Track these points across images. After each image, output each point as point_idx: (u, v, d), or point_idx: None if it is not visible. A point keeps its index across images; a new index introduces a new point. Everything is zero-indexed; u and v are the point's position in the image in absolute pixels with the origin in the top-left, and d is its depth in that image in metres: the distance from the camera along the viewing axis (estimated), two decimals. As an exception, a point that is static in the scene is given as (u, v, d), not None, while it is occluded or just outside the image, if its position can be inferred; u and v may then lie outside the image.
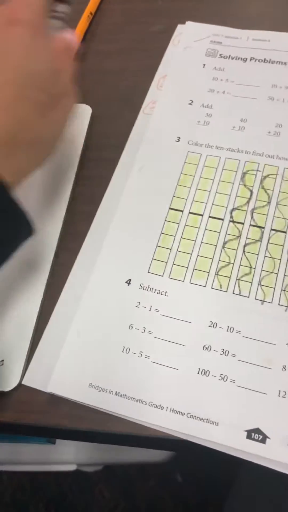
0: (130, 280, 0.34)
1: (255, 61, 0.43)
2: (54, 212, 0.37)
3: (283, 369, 0.30)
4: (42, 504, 0.90)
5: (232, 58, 0.44)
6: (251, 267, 0.34)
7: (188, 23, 0.46)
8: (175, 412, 0.29)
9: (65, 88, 0.33)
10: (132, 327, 0.32)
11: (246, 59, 0.43)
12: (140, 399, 0.30)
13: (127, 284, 0.34)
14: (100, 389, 0.30)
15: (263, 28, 0.45)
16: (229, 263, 0.34)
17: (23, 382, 0.31)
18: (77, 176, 0.39)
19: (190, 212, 0.36)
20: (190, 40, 0.45)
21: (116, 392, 0.30)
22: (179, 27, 0.46)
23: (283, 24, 0.44)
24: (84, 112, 0.41)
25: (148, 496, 0.88)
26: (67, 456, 0.63)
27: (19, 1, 0.31)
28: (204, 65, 0.44)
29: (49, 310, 0.33)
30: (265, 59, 0.43)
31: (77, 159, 0.39)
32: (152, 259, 0.35)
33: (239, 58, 0.44)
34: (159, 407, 0.29)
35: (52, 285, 0.34)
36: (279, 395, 0.29)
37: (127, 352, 0.31)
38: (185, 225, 0.36)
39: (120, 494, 0.90)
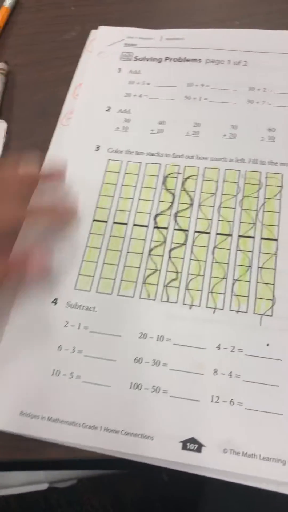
0: (56, 299, 0.33)
1: (170, 60, 0.43)
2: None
3: (215, 373, 0.30)
4: (31, 522, 0.89)
5: (147, 60, 0.43)
6: (177, 272, 0.33)
7: (101, 27, 0.45)
8: (109, 431, 0.29)
9: None
10: (61, 348, 0.31)
11: (161, 59, 0.43)
12: (73, 422, 0.29)
13: (53, 303, 0.33)
14: (32, 416, 0.29)
15: (176, 26, 0.44)
16: (156, 270, 0.33)
17: None
18: None
19: (114, 222, 0.35)
20: (103, 45, 0.44)
21: (48, 417, 0.29)
22: (93, 33, 0.45)
23: (195, 21, 0.44)
24: (-1, 129, 0.40)
25: (136, 499, 0.88)
26: (36, 476, 0.62)
27: None
28: (119, 69, 0.43)
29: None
30: (179, 58, 0.43)
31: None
32: (78, 274, 0.34)
33: (154, 59, 0.43)
34: (93, 427, 0.29)
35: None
36: (212, 401, 0.29)
37: (57, 374, 0.31)
38: (110, 235, 0.35)
39: (108, 500, 0.89)
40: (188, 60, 0.42)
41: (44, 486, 0.63)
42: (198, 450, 0.28)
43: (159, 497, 0.86)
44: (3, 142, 0.40)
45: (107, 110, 0.41)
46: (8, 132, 0.40)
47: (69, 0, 0.48)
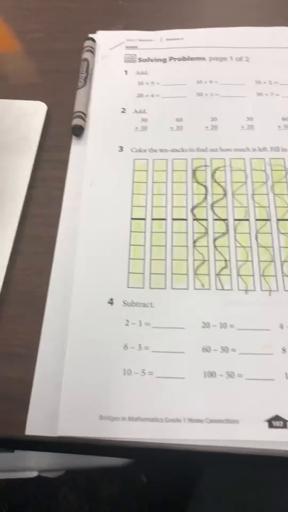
0: (112, 299, 0.33)
1: (175, 60, 0.44)
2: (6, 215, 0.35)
3: (283, 351, 0.30)
4: (5, 511, 0.86)
5: (152, 61, 0.44)
6: (226, 260, 0.34)
7: (99, 32, 0.45)
8: (193, 421, 0.29)
9: None
10: (127, 347, 0.31)
11: (166, 59, 0.44)
12: (154, 418, 0.29)
13: (110, 304, 0.32)
14: (112, 418, 0.29)
15: (172, 27, 0.45)
16: (204, 260, 0.34)
17: (26, 433, 0.29)
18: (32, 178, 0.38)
19: (152, 219, 0.36)
20: (105, 48, 0.44)
21: (129, 417, 0.29)
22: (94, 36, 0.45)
23: (192, 21, 0.45)
24: (38, 110, 0.40)
25: (113, 498, 0.87)
26: (27, 462, 0.61)
27: None
28: (126, 71, 0.43)
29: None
30: (183, 57, 0.44)
31: (32, 160, 0.38)
32: (128, 272, 0.34)
33: (158, 60, 0.44)
34: (176, 420, 0.29)
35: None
36: (287, 377, 0.30)
37: (129, 373, 0.30)
38: (151, 232, 0.35)
39: (85, 497, 0.88)
40: (192, 59, 0.44)
41: (34, 474, 0.62)
42: (284, 426, 0.28)
43: (136, 497, 0.86)
44: (42, 124, 0.39)
45: (123, 112, 0.41)
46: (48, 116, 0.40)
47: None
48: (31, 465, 0.61)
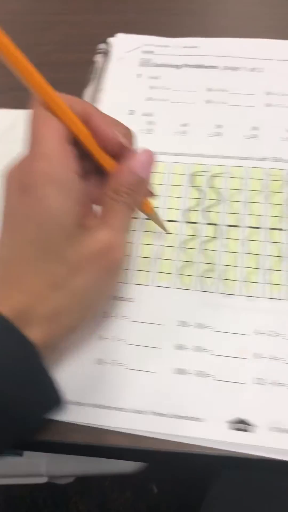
0: (95, 291, 0.34)
1: (188, 67, 0.45)
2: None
3: (257, 357, 0.31)
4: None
5: (166, 66, 0.45)
6: (211, 263, 0.34)
7: (119, 35, 0.47)
8: (156, 414, 0.29)
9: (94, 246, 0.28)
10: (102, 337, 0.32)
11: (179, 66, 0.45)
12: (121, 408, 0.30)
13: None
14: (79, 404, 0.30)
15: (190, 35, 0.46)
16: (190, 261, 0.35)
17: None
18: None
19: (146, 218, 0.37)
20: (122, 51, 0.46)
21: (96, 404, 0.30)
22: (110, 40, 0.47)
23: (211, 30, 0.46)
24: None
25: (124, 508, 0.87)
26: (37, 468, 0.61)
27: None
28: (139, 74, 0.45)
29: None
30: (197, 64, 0.45)
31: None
32: (115, 267, 0.35)
33: (172, 66, 0.45)
34: (140, 412, 0.29)
35: None
36: (256, 383, 0.30)
37: (100, 363, 0.31)
38: (143, 231, 0.36)
39: (95, 506, 0.88)
40: (205, 67, 0.45)
41: (44, 480, 0.62)
42: (246, 429, 0.28)
43: (147, 507, 0.86)
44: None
45: (131, 114, 0.42)
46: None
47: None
48: (41, 470, 0.62)
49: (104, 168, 0.29)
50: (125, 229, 0.29)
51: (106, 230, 0.27)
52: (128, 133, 0.30)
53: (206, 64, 0.45)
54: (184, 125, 0.41)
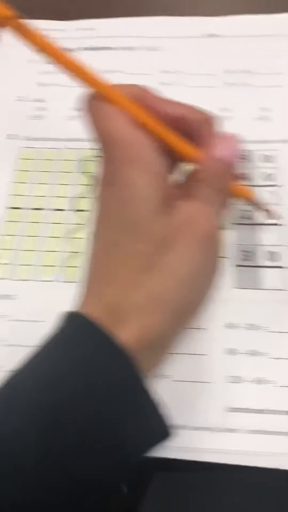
0: (-28, 290, 0.31)
1: (83, 50, 0.42)
2: None
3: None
4: None
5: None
6: (99, 253, 0.32)
7: (11, 21, 0.44)
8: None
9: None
10: (-22, 339, 0.29)
11: (74, 49, 0.42)
12: None
13: None
14: None
15: (86, 17, 0.44)
16: (77, 252, 0.32)
17: None
18: None
19: (32, 208, 0.34)
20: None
21: None
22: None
23: (104, 11, 0.44)
24: None
25: (93, 510, 0.84)
26: None
27: None
28: (31, 60, 0.42)
29: None
30: (92, 47, 0.42)
31: None
32: (-5, 263, 0.32)
33: (66, 50, 0.42)
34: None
35: None
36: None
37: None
38: (28, 222, 0.34)
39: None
40: (101, 49, 0.42)
41: None
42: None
43: (117, 509, 0.83)
44: None
45: (19, 100, 0.40)
46: None
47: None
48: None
49: (180, 154, 0.26)
50: (217, 209, 0.25)
51: (196, 202, 0.24)
52: (206, 117, 0.26)
53: (101, 45, 0.42)
54: (74, 109, 0.39)
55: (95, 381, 0.21)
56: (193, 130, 0.26)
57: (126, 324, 0.22)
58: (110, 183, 0.24)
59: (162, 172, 0.24)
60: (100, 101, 0.24)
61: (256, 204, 0.29)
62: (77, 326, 0.22)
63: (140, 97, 0.25)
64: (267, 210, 0.29)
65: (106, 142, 0.24)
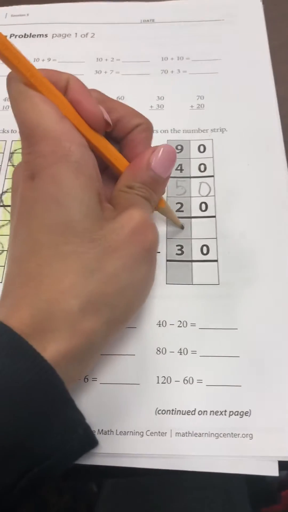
0: None
1: (15, 37, 0.40)
2: None
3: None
4: None
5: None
6: (26, 250, 0.30)
7: None
8: None
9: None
10: None
11: (6, 36, 0.40)
12: None
13: None
14: None
15: (20, 3, 0.42)
16: (3, 250, 0.31)
17: None
18: None
19: None
20: None
21: None
22: None
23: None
24: None
25: (63, 510, 0.83)
26: None
27: None
28: None
29: None
30: (25, 34, 0.40)
31: None
32: None
33: (-3, 36, 0.40)
34: None
35: None
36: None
37: None
38: None
39: (32, 510, 0.84)
40: (34, 36, 0.40)
41: None
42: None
43: (86, 507, 0.82)
44: None
45: None
46: None
47: None
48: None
49: (103, 156, 0.25)
50: (150, 215, 0.25)
51: (138, 211, 0.23)
52: (145, 124, 0.26)
53: (34, 32, 0.40)
54: (6, 99, 0.37)
55: (14, 392, 0.19)
56: (125, 134, 0.25)
57: (56, 333, 0.20)
58: (32, 175, 0.22)
59: (92, 172, 0.23)
60: (26, 86, 0.23)
61: (168, 214, 0.29)
62: None
63: (70, 89, 0.24)
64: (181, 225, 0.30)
65: (31, 133, 0.22)
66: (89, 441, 0.23)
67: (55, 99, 0.23)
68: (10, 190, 0.32)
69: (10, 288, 0.22)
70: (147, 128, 0.26)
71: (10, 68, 0.22)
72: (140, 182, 0.24)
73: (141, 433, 0.25)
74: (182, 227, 0.30)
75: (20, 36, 0.40)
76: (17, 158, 0.34)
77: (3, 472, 0.19)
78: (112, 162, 0.25)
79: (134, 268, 0.22)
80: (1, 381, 0.19)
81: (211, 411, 0.25)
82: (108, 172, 0.26)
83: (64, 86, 0.24)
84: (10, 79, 0.23)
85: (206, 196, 0.32)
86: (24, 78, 0.22)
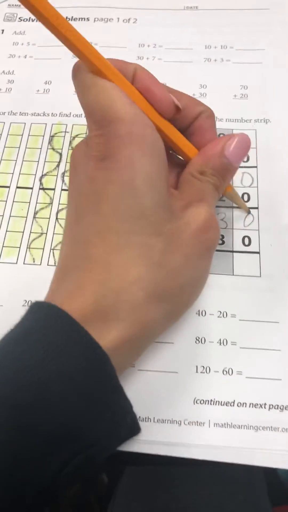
0: None
1: (57, 20, 0.40)
2: None
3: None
4: None
5: (33, 20, 0.40)
6: (65, 234, 0.30)
7: (-19, -12, 0.42)
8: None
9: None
10: None
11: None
12: None
13: None
14: None
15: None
16: (42, 233, 0.31)
17: None
18: None
19: (-5, 186, 0.32)
20: (-16, 6, 0.41)
21: None
22: (-27, -6, 0.42)
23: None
24: None
25: (74, 499, 0.83)
26: None
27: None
28: (2, 30, 0.40)
29: None
30: (66, 17, 0.40)
31: None
32: None
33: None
34: None
35: None
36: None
37: None
38: (-11, 200, 0.32)
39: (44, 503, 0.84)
40: (75, 19, 0.40)
41: None
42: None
43: (98, 498, 0.83)
44: None
45: (-13, 72, 0.37)
46: None
47: None
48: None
49: (172, 142, 0.25)
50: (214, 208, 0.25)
51: (205, 208, 0.23)
52: (208, 111, 0.26)
53: (76, 16, 0.40)
54: (47, 82, 0.37)
55: (68, 378, 0.19)
56: (189, 122, 0.25)
57: (118, 322, 0.20)
58: (102, 157, 0.22)
59: (164, 158, 0.23)
60: (95, 75, 0.22)
61: (235, 199, 0.29)
62: (53, 320, 0.20)
63: (139, 78, 0.23)
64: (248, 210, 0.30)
65: (103, 115, 0.22)
66: (134, 429, 0.23)
67: (124, 87, 0.22)
68: (51, 174, 0.32)
69: (71, 271, 0.22)
70: (211, 114, 0.26)
71: (79, 58, 0.22)
72: (212, 168, 0.24)
73: (179, 422, 0.25)
74: (248, 212, 0.30)
75: (68, 19, 0.40)
76: (57, 141, 0.34)
77: (52, 456, 0.19)
78: (180, 148, 0.25)
79: (195, 266, 0.23)
80: (56, 366, 0.19)
81: (250, 404, 0.25)
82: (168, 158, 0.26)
83: (132, 75, 0.23)
84: (77, 67, 0.23)
85: (249, 187, 0.31)
86: (93, 66, 0.22)
